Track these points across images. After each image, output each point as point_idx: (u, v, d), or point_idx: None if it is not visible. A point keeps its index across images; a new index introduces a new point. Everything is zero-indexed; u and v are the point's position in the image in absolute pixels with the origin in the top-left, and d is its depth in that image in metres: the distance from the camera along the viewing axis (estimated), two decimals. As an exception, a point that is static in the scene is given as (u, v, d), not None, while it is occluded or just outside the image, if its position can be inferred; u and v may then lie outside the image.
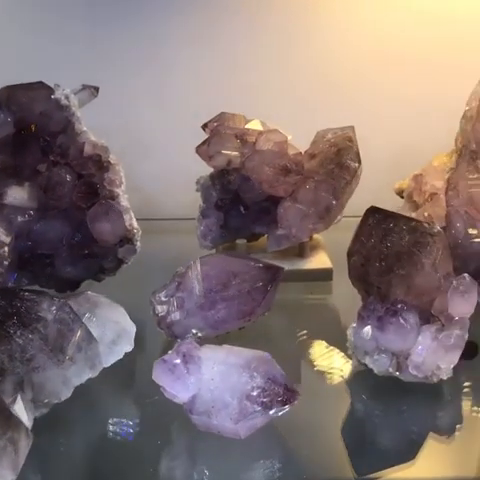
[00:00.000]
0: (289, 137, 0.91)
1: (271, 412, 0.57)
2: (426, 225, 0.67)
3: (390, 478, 0.58)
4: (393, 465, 0.59)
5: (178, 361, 0.58)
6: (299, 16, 1.07)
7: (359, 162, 0.87)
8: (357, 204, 0.83)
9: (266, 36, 1.08)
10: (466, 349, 0.75)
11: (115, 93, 1.07)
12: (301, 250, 0.90)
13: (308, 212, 0.84)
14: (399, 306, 0.64)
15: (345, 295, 0.80)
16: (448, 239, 0.79)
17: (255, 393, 0.56)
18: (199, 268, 0.71)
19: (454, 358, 0.64)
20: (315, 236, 0.94)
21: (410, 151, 1.04)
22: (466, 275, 0.68)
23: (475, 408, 0.67)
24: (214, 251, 0.90)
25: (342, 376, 0.70)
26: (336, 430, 0.63)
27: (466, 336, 0.68)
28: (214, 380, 0.57)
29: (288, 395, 0.57)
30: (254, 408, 0.56)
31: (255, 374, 0.57)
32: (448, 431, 0.63)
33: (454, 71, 1.07)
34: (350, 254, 0.68)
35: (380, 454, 0.61)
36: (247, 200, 0.86)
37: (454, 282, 0.67)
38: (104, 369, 0.65)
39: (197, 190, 0.89)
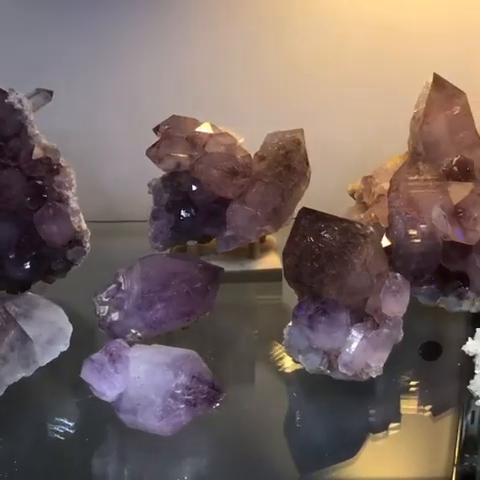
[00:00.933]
0: (241, 140, 0.92)
1: (196, 410, 0.58)
2: (358, 226, 0.68)
3: (330, 477, 0.59)
4: (332, 464, 0.61)
5: (106, 360, 0.59)
6: (266, 17, 1.08)
7: (307, 164, 0.88)
8: (315, 205, 0.85)
9: (229, 35, 1.08)
10: (428, 349, 0.77)
11: (79, 96, 1.09)
12: (251, 251, 0.91)
13: (256, 214, 0.85)
14: (329, 305, 0.65)
15: (295, 295, 0.81)
16: (390, 240, 0.82)
17: (179, 391, 0.58)
18: (139, 269, 0.72)
19: (383, 356, 0.66)
20: (268, 237, 0.95)
21: (371, 153, 1.05)
22: (398, 275, 0.69)
23: (411, 406, 0.68)
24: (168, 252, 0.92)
25: (290, 375, 0.71)
26: (279, 429, 0.65)
27: (400, 335, 0.70)
28: (140, 378, 0.58)
29: (213, 393, 0.58)
30: (178, 406, 0.57)
31: (180, 372, 0.58)
32: (384, 429, 0.65)
33: (415, 72, 1.08)
34: (285, 255, 0.69)
35: (319, 453, 0.62)
36: (197, 202, 0.88)
37: (386, 282, 0.68)
38: (41, 368, 0.66)
39: (149, 192, 0.90)
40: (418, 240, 0.77)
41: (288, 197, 0.87)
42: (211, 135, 0.87)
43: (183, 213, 0.88)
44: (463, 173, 0.84)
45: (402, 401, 0.69)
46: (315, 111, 1.07)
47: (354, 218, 0.89)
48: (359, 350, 0.64)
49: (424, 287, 0.79)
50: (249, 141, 0.91)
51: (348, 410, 0.66)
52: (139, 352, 0.60)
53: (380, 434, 0.63)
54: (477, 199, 0.77)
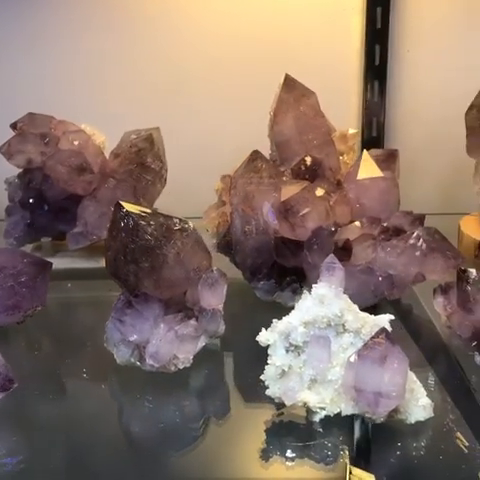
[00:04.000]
0: (103, 138, 0.93)
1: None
2: (175, 220, 0.69)
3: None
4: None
5: None
6: (139, 17, 1.09)
7: (161, 162, 0.90)
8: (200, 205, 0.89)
9: (104, 36, 1.09)
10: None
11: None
12: (107, 248, 0.92)
13: (106, 211, 0.86)
14: (139, 298, 0.66)
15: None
16: (231, 236, 0.83)
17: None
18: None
19: (192, 348, 0.67)
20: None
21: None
22: (215, 268, 0.70)
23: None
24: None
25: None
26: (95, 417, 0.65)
27: (221, 328, 0.71)
28: None
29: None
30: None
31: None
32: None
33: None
34: (105, 249, 0.70)
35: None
36: (49, 199, 0.88)
37: (203, 275, 0.70)
38: None
39: (6, 189, 0.91)
40: (252, 236, 0.79)
41: (141, 195, 0.88)
42: (64, 132, 0.88)
43: (36, 209, 0.89)
44: (310, 172, 0.86)
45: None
46: (188, 111, 1.09)
47: (211, 216, 0.91)
48: (165, 342, 0.65)
49: (262, 282, 0.81)
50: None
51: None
52: None
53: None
54: (308, 196, 0.78)
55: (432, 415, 0.60)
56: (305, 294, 0.64)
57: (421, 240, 0.78)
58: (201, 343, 0.69)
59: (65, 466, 0.60)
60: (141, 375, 0.68)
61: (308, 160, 0.86)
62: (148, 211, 0.69)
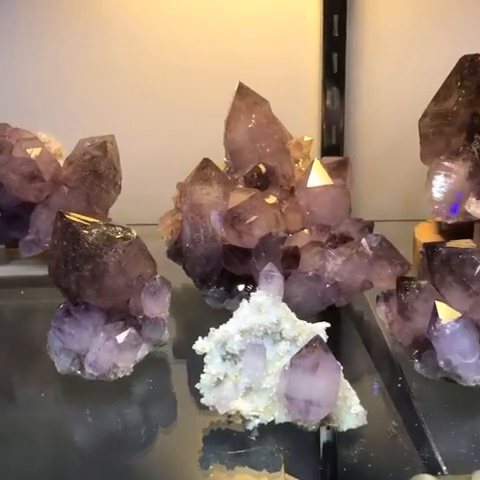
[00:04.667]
0: (58, 145, 0.94)
1: None
2: (118, 229, 0.69)
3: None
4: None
5: None
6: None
7: (115, 169, 0.90)
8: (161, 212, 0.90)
9: (64, 42, 1.09)
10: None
11: None
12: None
13: (58, 218, 0.86)
14: (78, 307, 0.67)
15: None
16: (182, 244, 0.84)
17: None
18: None
19: (131, 357, 0.67)
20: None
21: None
22: (158, 277, 0.70)
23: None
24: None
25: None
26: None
27: (165, 336, 0.71)
28: None
29: None
30: None
31: None
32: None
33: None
34: (49, 258, 0.70)
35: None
36: (2, 206, 0.88)
37: (146, 284, 0.70)
38: None
39: (-38, 197, 0.91)
40: (201, 244, 0.79)
41: (95, 202, 0.89)
42: (18, 140, 0.88)
43: (-10, 217, 0.89)
44: (263, 180, 0.87)
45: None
46: (150, 117, 1.09)
47: (167, 223, 0.92)
48: (104, 350, 0.65)
49: (212, 290, 0.81)
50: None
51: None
52: None
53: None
54: (256, 204, 0.79)
55: (365, 423, 0.60)
56: (243, 302, 0.64)
57: (367, 248, 0.78)
58: (144, 351, 0.70)
59: (5, 475, 0.60)
60: (85, 383, 0.68)
61: (261, 168, 0.87)
62: (90, 220, 0.69)
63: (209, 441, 0.62)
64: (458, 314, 0.63)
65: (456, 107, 0.88)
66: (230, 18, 1.05)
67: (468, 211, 0.85)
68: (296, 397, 0.58)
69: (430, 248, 0.65)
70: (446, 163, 0.88)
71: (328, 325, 0.64)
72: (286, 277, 0.79)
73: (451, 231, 0.93)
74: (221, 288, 0.81)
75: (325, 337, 0.63)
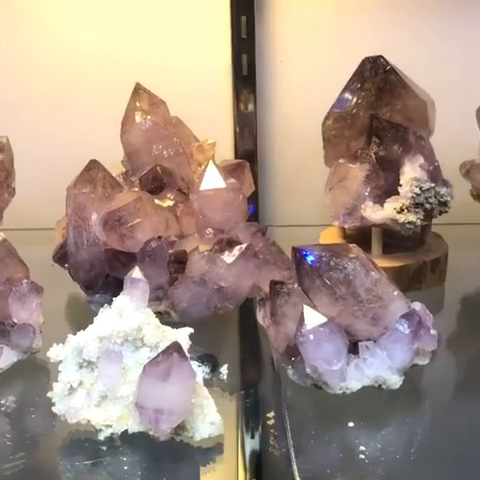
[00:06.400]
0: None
1: None
2: (-16, 232, 0.67)
3: None
4: None
5: None
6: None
7: (7, 171, 0.87)
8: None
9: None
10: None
11: None
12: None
13: None
14: None
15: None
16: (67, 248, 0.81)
17: None
18: None
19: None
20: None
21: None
22: (25, 281, 0.68)
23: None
24: None
25: None
26: None
27: (37, 342, 0.69)
28: None
29: None
30: None
31: None
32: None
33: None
34: None
35: None
36: None
37: (13, 288, 0.68)
38: None
39: None
40: (84, 248, 0.77)
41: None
42: None
43: None
44: (159, 182, 0.85)
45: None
46: (47, 121, 1.07)
47: (62, 226, 0.89)
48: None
49: (98, 295, 0.79)
50: None
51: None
52: None
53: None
54: (140, 207, 0.76)
55: (222, 432, 0.58)
56: (105, 307, 0.62)
57: (254, 252, 0.76)
58: (11, 359, 0.67)
59: None
60: None
61: (157, 170, 0.85)
62: None
63: (65, 451, 0.59)
64: (324, 319, 0.61)
65: (355, 109, 0.88)
66: (137, 19, 1.03)
67: (364, 215, 0.84)
68: (145, 406, 0.56)
69: (298, 252, 0.63)
70: (343, 166, 0.87)
71: (192, 331, 0.62)
72: (173, 282, 0.78)
73: (355, 236, 0.92)
74: (107, 293, 0.79)
75: (187, 343, 0.61)
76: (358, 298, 0.62)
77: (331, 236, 0.93)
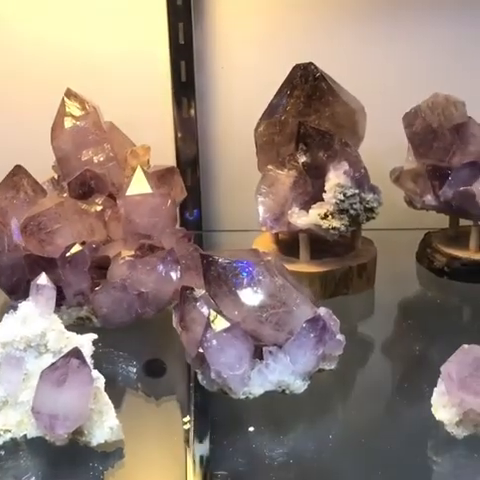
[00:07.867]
0: None
1: None
2: None
3: None
4: None
5: None
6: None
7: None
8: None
9: None
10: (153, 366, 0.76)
11: None
12: None
13: None
14: None
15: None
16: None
17: None
18: None
19: None
20: None
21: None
22: None
23: None
24: None
25: None
26: None
27: None
28: None
29: None
30: None
31: None
32: None
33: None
34: None
35: None
36: None
37: None
38: None
39: None
40: (5, 253, 0.77)
41: None
42: None
43: None
44: (88, 187, 0.85)
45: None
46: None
47: None
48: None
49: (21, 300, 0.79)
50: None
51: None
52: None
53: None
54: (61, 212, 0.77)
55: (121, 437, 0.59)
56: (10, 313, 0.62)
57: (176, 258, 0.77)
58: None
59: None
60: None
61: (87, 175, 0.85)
62: None
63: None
64: (227, 324, 0.62)
65: (285, 116, 0.88)
66: (73, 23, 1.03)
67: (290, 221, 0.84)
68: (41, 411, 0.56)
69: (205, 258, 0.64)
70: (272, 173, 0.87)
71: (95, 336, 0.63)
72: (95, 288, 0.78)
73: (288, 240, 0.93)
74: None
75: (90, 349, 0.61)
76: (262, 303, 0.62)
77: (264, 241, 0.94)
